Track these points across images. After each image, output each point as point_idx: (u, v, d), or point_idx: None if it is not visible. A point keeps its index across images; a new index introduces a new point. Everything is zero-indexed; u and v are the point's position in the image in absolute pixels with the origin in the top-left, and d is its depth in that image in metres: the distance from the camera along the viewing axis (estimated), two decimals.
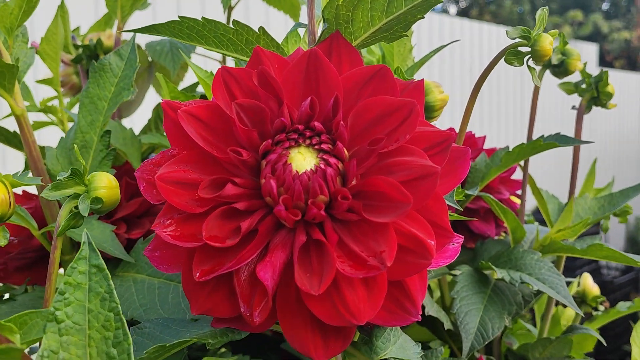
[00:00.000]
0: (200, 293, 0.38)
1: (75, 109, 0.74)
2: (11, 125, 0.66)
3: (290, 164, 0.36)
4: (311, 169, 0.36)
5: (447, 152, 0.39)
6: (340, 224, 0.37)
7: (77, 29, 0.80)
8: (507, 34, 0.47)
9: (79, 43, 0.75)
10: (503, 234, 0.73)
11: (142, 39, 0.81)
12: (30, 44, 0.69)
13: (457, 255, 0.42)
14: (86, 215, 0.41)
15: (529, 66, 0.48)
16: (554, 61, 0.60)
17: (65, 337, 0.33)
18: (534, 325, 0.78)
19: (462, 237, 0.41)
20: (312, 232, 0.37)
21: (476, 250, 0.67)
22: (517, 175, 0.75)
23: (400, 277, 0.36)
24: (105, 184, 0.43)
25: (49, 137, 0.84)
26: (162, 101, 0.38)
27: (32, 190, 0.66)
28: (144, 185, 0.39)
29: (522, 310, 0.58)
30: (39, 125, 0.73)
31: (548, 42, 0.47)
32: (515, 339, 0.73)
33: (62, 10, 0.71)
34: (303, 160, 0.37)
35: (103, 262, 0.34)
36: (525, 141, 0.62)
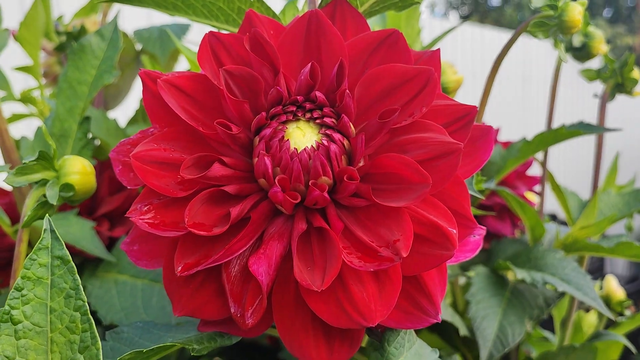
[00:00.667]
0: (183, 291, 0.32)
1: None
2: None
3: (288, 140, 0.31)
4: (312, 146, 0.31)
5: (469, 128, 0.33)
6: (345, 210, 0.32)
7: (61, 17, 0.75)
8: (529, 3, 0.42)
9: (62, 30, 0.70)
10: (518, 233, 0.68)
11: (130, 27, 0.76)
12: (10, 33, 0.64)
13: (479, 249, 0.37)
14: (54, 204, 0.36)
15: (555, 39, 0.43)
16: (576, 44, 0.55)
17: (22, 341, 0.28)
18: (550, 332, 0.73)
19: (485, 228, 0.36)
20: (313, 219, 0.32)
21: (491, 251, 0.61)
22: (533, 171, 0.70)
23: (416, 271, 0.31)
24: (79, 169, 0.38)
25: (29, 131, 0.79)
26: (140, 71, 0.33)
27: (9, 187, 0.61)
28: (119, 168, 0.34)
29: (544, 314, 0.53)
30: (18, 117, 0.68)
31: (577, 12, 0.42)
32: (533, 347, 0.67)
33: None
34: (302, 136, 0.32)
35: (68, 253, 0.29)
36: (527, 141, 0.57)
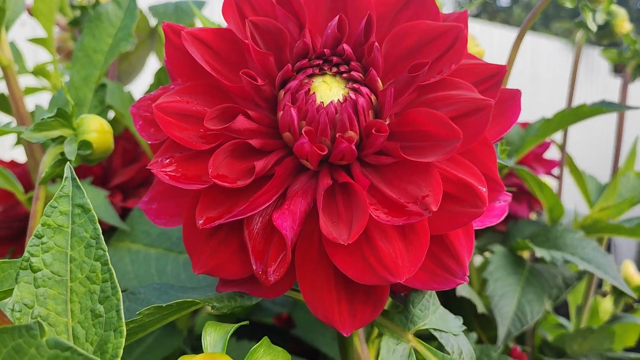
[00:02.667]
0: (204, 248, 0.32)
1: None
2: None
3: (314, 93, 0.31)
4: (338, 100, 0.30)
5: (498, 88, 0.33)
6: (370, 168, 0.31)
7: None
8: None
9: (77, 4, 0.69)
10: (534, 216, 0.67)
11: (144, 3, 0.75)
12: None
13: (505, 215, 0.36)
14: (72, 160, 0.35)
15: (583, 6, 0.42)
16: (599, 21, 0.54)
17: (42, 289, 0.27)
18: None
19: (510, 195, 0.35)
20: (337, 175, 0.31)
21: (508, 231, 0.61)
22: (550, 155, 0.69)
23: (443, 230, 0.30)
24: (97, 128, 0.37)
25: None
26: (163, 23, 0.33)
27: (21, 160, 0.60)
28: (140, 123, 0.34)
29: (563, 294, 0.52)
30: (31, 90, 0.68)
31: None
32: (548, 332, 0.66)
33: None
34: (329, 90, 0.31)
35: (89, 201, 0.28)
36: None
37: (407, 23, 0.32)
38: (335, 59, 0.32)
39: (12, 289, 0.29)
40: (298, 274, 0.31)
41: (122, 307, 0.27)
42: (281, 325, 0.73)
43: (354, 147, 0.29)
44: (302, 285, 0.31)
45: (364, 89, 0.31)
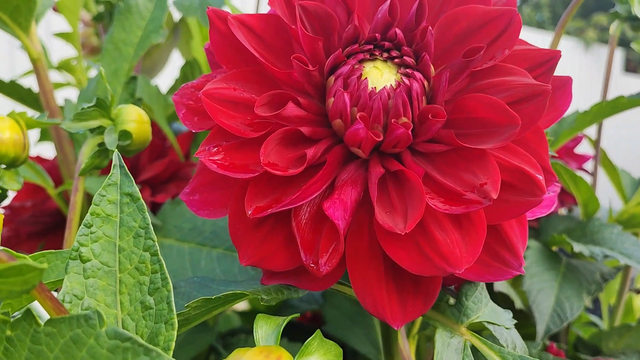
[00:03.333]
0: (252, 238, 0.31)
1: (97, 66, 0.68)
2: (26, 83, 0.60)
3: (366, 78, 0.30)
4: (391, 85, 0.30)
5: (551, 74, 0.32)
6: (421, 157, 0.30)
7: None
8: None
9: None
10: (564, 211, 0.66)
11: None
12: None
13: (555, 205, 0.35)
14: (113, 150, 0.35)
15: None
16: (635, 12, 0.53)
17: (91, 280, 0.26)
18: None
19: (560, 185, 0.34)
20: (388, 164, 0.30)
21: (540, 227, 0.59)
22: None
23: (498, 220, 0.29)
24: (135, 118, 0.36)
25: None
26: (208, 9, 0.32)
27: (48, 155, 0.60)
28: (183, 112, 0.33)
29: (602, 290, 0.51)
30: (56, 86, 0.67)
31: None
32: (579, 330, 0.65)
33: None
34: (380, 76, 0.30)
35: (137, 190, 0.27)
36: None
37: (458, 8, 0.31)
38: (386, 44, 0.31)
39: (60, 280, 0.28)
40: (348, 265, 0.30)
41: (172, 298, 0.26)
42: (307, 323, 0.72)
43: (409, 133, 0.28)
44: (353, 277, 0.30)
45: (417, 74, 0.30)
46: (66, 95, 0.77)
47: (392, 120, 0.29)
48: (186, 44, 0.72)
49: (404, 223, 0.28)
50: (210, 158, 0.29)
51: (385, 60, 0.31)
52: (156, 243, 0.27)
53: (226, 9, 0.57)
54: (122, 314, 0.27)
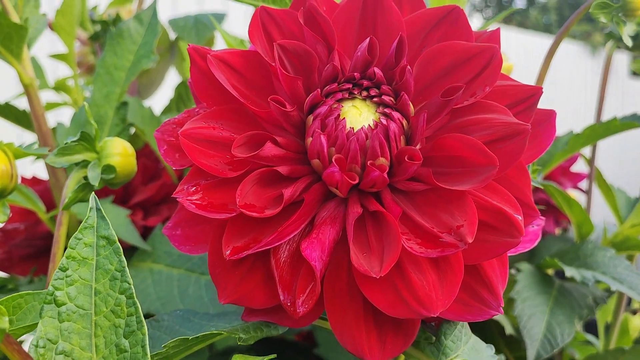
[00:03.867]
0: (231, 277, 0.31)
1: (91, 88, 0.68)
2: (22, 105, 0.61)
3: (344, 119, 0.30)
4: (369, 126, 0.29)
5: (533, 111, 0.32)
6: (401, 195, 0.30)
7: (96, 7, 0.74)
8: None
9: (97, 19, 0.69)
10: (558, 231, 0.65)
11: (164, 16, 0.75)
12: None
13: (539, 240, 0.35)
14: (96, 185, 0.35)
15: (618, 21, 0.41)
16: (630, 32, 0.53)
17: (66, 324, 0.26)
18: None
19: (544, 218, 0.34)
20: (367, 203, 0.30)
21: (534, 248, 0.59)
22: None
23: (478, 260, 0.29)
24: (120, 151, 0.36)
25: (63, 120, 0.78)
26: (189, 46, 0.32)
27: (43, 176, 0.60)
28: (164, 148, 0.33)
29: (594, 314, 0.50)
30: (52, 106, 0.68)
31: None
32: (575, 349, 0.65)
33: None
34: (359, 115, 0.30)
35: (114, 233, 0.27)
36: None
37: (440, 44, 0.31)
38: (365, 82, 0.31)
39: (36, 324, 0.28)
40: (327, 304, 0.30)
41: (147, 342, 0.26)
42: (302, 342, 0.72)
43: (385, 176, 0.28)
44: (331, 316, 0.30)
45: (396, 114, 0.30)
46: (64, 113, 0.77)
47: (369, 162, 0.29)
48: (182, 62, 0.72)
49: (379, 266, 0.27)
50: (188, 198, 0.29)
51: (364, 99, 0.31)
52: (132, 286, 0.27)
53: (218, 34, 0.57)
54: (97, 357, 0.27)
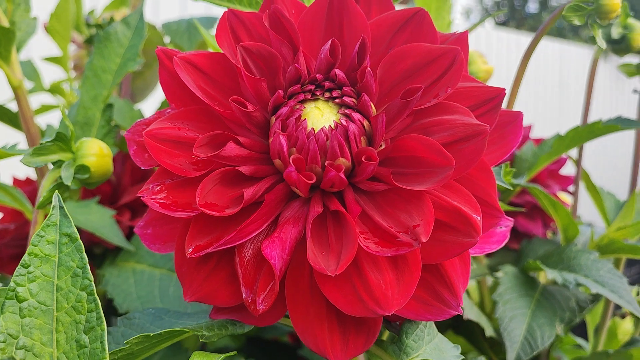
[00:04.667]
0: (195, 276, 0.31)
1: None
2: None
3: (305, 119, 0.30)
4: (330, 126, 0.30)
5: (497, 112, 0.32)
6: (363, 195, 0.31)
7: (92, 11, 0.76)
8: None
9: (93, 22, 0.70)
10: (550, 234, 0.65)
11: (159, 19, 0.76)
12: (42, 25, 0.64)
13: (506, 241, 0.35)
14: (69, 185, 0.35)
15: (591, 24, 0.41)
16: (614, 35, 0.53)
17: (27, 319, 0.27)
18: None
19: (512, 220, 0.34)
20: (329, 203, 0.30)
21: (521, 251, 0.59)
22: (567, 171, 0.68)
23: (437, 259, 0.30)
24: (95, 152, 0.37)
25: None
26: (157, 48, 0.33)
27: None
28: (134, 149, 0.33)
29: (577, 317, 0.50)
30: (47, 108, 0.69)
31: None
32: (565, 354, 0.64)
33: None
34: (320, 116, 0.30)
35: (76, 230, 0.28)
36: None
37: (403, 46, 0.32)
38: (327, 84, 0.31)
39: None
40: (288, 303, 0.30)
41: (106, 338, 0.27)
42: (295, 343, 0.72)
43: (342, 176, 0.29)
44: (293, 315, 0.31)
45: (356, 115, 0.30)
46: (58, 115, 0.79)
47: (327, 162, 0.29)
48: None
49: (336, 264, 0.28)
50: (153, 197, 0.30)
51: (326, 100, 0.31)
52: (92, 283, 0.27)
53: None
54: (58, 352, 0.27)
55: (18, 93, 0.51)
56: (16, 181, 0.59)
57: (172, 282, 0.46)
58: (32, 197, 0.54)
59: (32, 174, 0.64)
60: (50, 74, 0.80)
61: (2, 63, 0.49)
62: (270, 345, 0.66)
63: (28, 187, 0.56)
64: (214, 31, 0.69)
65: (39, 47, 0.60)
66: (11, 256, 0.55)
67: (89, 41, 0.71)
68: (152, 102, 0.77)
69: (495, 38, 3.61)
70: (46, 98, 0.73)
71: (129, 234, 0.53)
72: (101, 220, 0.49)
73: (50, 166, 0.47)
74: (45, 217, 0.37)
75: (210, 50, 0.52)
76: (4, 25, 0.48)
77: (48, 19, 0.65)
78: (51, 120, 0.94)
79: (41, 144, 0.36)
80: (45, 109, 0.69)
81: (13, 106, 0.63)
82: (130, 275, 0.47)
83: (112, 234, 0.48)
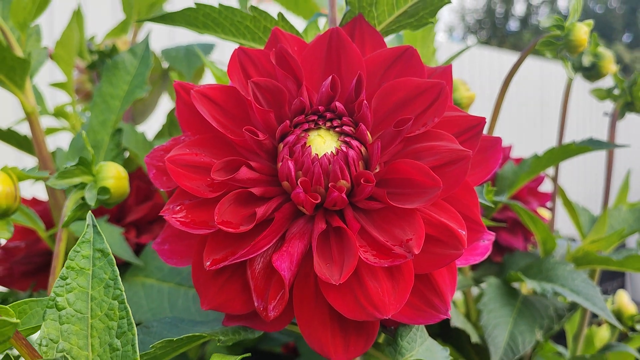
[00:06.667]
0: (211, 286, 0.35)
1: (88, 114, 0.73)
2: (23, 130, 0.65)
3: (310, 146, 0.34)
4: (332, 152, 0.34)
5: (478, 138, 0.36)
6: (362, 213, 0.34)
7: (93, 37, 0.79)
8: (539, 23, 0.45)
9: (94, 49, 0.73)
10: (531, 247, 0.69)
11: (157, 46, 0.80)
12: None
13: (488, 253, 0.39)
14: (92, 205, 0.39)
15: (562, 57, 0.45)
16: (585, 63, 0.58)
17: (66, 326, 0.30)
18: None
19: (494, 234, 0.38)
20: (331, 220, 0.34)
21: (504, 263, 0.63)
22: (545, 188, 0.72)
23: (427, 269, 0.33)
24: (114, 174, 0.41)
25: (62, 144, 0.82)
26: (174, 82, 0.36)
27: (42, 196, 0.64)
28: (153, 172, 0.37)
29: (555, 325, 0.54)
30: (51, 130, 0.72)
31: (583, 32, 0.44)
32: None
33: (77, 15, 0.70)
34: (323, 143, 0.34)
35: (108, 246, 0.31)
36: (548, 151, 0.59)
37: (395, 80, 0.36)
38: (329, 114, 0.35)
39: (39, 326, 0.32)
40: (296, 310, 0.34)
41: (137, 341, 0.30)
42: (288, 354, 0.75)
43: (344, 196, 0.33)
44: (300, 320, 0.34)
45: (355, 142, 0.34)
46: (62, 138, 0.82)
47: (330, 184, 0.33)
48: (174, 92, 0.77)
49: (339, 274, 0.32)
50: (173, 216, 0.34)
51: (328, 129, 0.35)
52: (123, 292, 0.31)
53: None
54: (93, 355, 0.30)
55: (31, 118, 0.54)
56: (24, 201, 0.62)
57: (180, 295, 0.49)
58: (43, 216, 0.57)
59: (38, 193, 0.67)
60: (50, 97, 0.84)
61: (18, 91, 0.53)
62: (268, 357, 0.69)
63: (38, 207, 0.59)
64: (210, 57, 0.73)
65: (39, 73, 0.63)
66: (22, 273, 0.58)
67: (91, 67, 0.74)
68: (151, 123, 0.80)
69: (478, 56, 3.70)
70: (49, 121, 0.76)
71: (136, 250, 0.56)
72: (111, 237, 0.52)
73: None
74: (67, 234, 0.41)
75: (212, 76, 0.56)
76: (19, 55, 0.51)
77: (54, 47, 0.69)
78: (53, 142, 0.97)
79: (65, 167, 0.39)
80: (50, 131, 0.72)
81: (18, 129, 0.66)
82: (140, 288, 0.51)
83: (122, 250, 0.52)
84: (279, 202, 0.34)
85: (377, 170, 0.35)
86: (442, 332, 0.60)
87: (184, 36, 1.80)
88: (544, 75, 4.46)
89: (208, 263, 0.33)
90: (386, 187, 0.34)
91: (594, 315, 0.69)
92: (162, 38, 1.63)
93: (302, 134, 0.34)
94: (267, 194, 0.34)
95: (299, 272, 0.34)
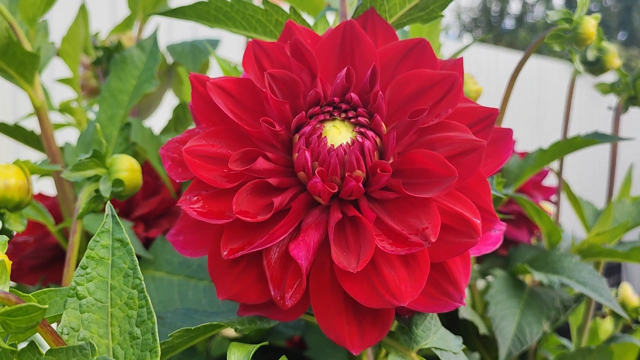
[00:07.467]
0: (228, 276, 0.35)
1: (95, 109, 0.73)
2: (28, 124, 0.65)
3: (325, 137, 0.34)
4: (347, 143, 0.34)
5: (491, 129, 0.36)
6: (376, 203, 0.35)
7: (97, 33, 0.79)
8: (547, 16, 0.45)
9: (99, 45, 0.74)
10: (535, 241, 0.70)
11: (163, 42, 0.80)
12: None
13: (500, 243, 0.39)
14: (107, 197, 0.39)
15: (570, 50, 0.46)
16: (590, 58, 0.58)
17: (86, 315, 0.31)
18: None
19: (505, 224, 0.39)
20: (346, 210, 0.34)
21: (509, 256, 0.64)
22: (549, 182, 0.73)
23: (442, 258, 0.34)
24: (127, 167, 0.41)
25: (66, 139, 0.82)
26: (190, 74, 0.37)
27: (49, 191, 0.64)
28: (169, 164, 0.37)
29: (562, 316, 0.55)
30: (57, 127, 0.72)
31: (591, 25, 0.45)
32: (550, 352, 0.69)
33: (83, 11, 0.70)
34: (338, 134, 0.35)
35: (127, 236, 0.32)
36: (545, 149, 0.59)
37: (408, 72, 0.36)
38: (344, 105, 0.35)
39: (59, 315, 0.32)
40: (312, 299, 0.34)
41: (156, 330, 0.30)
42: (292, 348, 0.76)
43: (360, 185, 0.33)
44: (316, 309, 0.34)
45: (370, 133, 0.34)
46: (67, 134, 0.82)
47: (347, 173, 0.33)
48: (179, 85, 0.77)
49: (356, 263, 0.32)
50: (191, 206, 0.34)
51: (343, 120, 0.35)
52: (142, 281, 0.31)
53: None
54: (113, 343, 0.31)
55: (40, 113, 0.54)
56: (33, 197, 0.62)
57: (190, 287, 0.49)
58: (51, 210, 0.57)
59: (44, 189, 0.67)
60: (55, 93, 0.84)
61: (27, 86, 0.53)
62: (274, 350, 0.69)
63: (46, 202, 0.59)
64: (217, 52, 0.73)
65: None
66: (31, 267, 0.58)
67: (96, 63, 0.74)
68: (156, 119, 0.81)
69: (475, 53, 3.71)
70: (54, 117, 0.76)
71: (145, 244, 0.57)
72: None
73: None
74: (81, 226, 0.41)
75: (220, 70, 0.56)
76: (29, 50, 0.51)
77: (59, 42, 0.69)
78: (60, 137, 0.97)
79: (79, 160, 0.39)
80: (55, 127, 0.72)
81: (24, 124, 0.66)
82: (150, 281, 0.51)
83: (132, 244, 0.52)
84: (294, 193, 0.35)
85: (391, 161, 0.35)
86: (449, 323, 0.61)
87: (181, 32, 1.80)
88: (541, 74, 4.47)
89: (225, 252, 0.33)
90: (401, 177, 0.34)
91: (598, 308, 0.70)
92: (160, 34, 1.62)
93: (318, 125, 0.35)
94: (283, 184, 0.35)
95: (315, 261, 0.34)
